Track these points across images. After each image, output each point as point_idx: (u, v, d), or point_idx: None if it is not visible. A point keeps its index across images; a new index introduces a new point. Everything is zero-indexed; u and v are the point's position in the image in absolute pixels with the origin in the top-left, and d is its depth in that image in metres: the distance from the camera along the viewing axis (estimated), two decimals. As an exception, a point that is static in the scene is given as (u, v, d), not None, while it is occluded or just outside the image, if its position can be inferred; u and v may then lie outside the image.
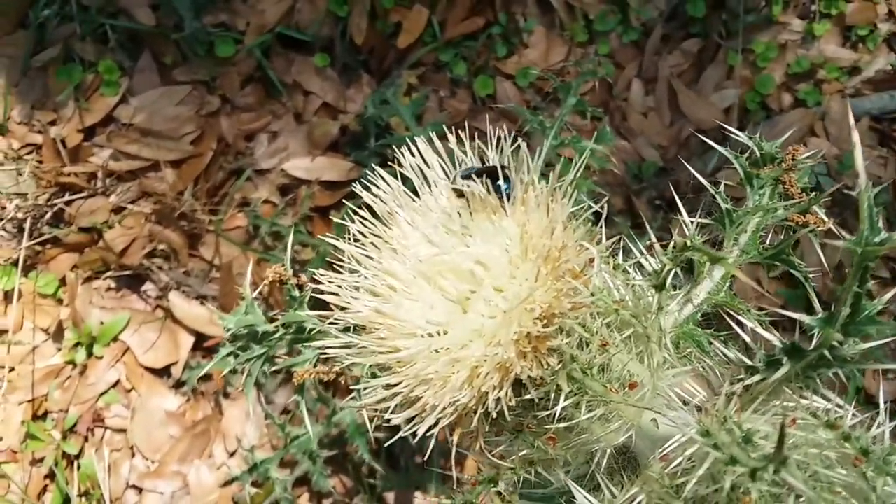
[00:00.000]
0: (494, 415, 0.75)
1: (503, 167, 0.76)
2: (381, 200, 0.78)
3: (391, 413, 0.70)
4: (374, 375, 1.02)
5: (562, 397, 0.72)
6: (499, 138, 0.87)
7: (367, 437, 2.36)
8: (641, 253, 0.83)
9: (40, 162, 2.76)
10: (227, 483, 2.61)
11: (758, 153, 1.25)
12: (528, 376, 0.69)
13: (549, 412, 0.74)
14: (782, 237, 1.07)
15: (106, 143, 2.81)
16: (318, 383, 2.41)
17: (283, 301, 2.64)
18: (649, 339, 0.80)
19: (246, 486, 2.52)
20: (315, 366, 1.39)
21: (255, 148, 2.90)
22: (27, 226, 2.69)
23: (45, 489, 2.64)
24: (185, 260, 2.78)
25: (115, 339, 2.75)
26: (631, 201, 2.78)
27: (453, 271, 0.70)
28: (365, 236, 0.78)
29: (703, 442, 0.66)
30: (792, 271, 1.04)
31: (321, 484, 2.64)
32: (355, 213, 0.79)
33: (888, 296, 0.69)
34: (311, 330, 1.41)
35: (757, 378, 0.73)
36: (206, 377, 2.78)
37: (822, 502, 0.63)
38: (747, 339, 0.78)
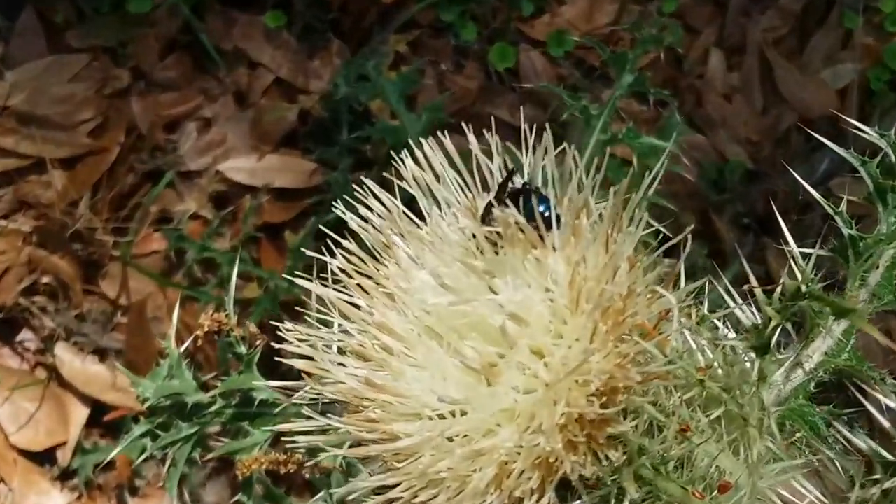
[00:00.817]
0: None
1: (534, 186, 0.78)
2: (374, 227, 0.80)
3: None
4: (348, 466, 1.04)
5: (626, 505, 0.74)
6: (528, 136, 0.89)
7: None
8: (734, 299, 0.85)
9: None
10: None
11: (893, 156, 1.27)
12: (581, 476, 0.70)
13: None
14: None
15: (-31, 134, 2.87)
16: (268, 476, 2.44)
17: (219, 359, 2.67)
18: (747, 423, 0.81)
19: None
20: (266, 453, 1.43)
21: (179, 142, 2.97)
22: None
23: None
24: (79, 299, 2.83)
25: (-22, 410, 2.77)
26: (708, 218, 2.82)
27: (475, 327, 0.71)
28: (350, 276, 0.79)
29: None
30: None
31: None
32: (337, 244, 0.80)
33: None
34: (264, 402, 1.44)
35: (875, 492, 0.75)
36: (107, 466, 2.81)
37: None
38: (884, 422, 0.80)
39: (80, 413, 2.81)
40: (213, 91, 3.00)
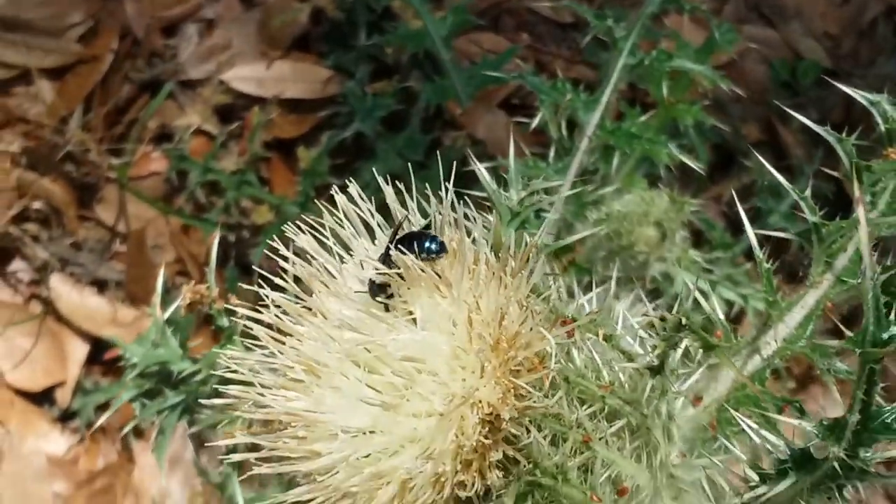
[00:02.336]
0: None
1: (424, 228, 1.04)
2: (305, 261, 1.07)
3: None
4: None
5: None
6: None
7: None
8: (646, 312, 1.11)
9: None
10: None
11: (882, 126, 1.50)
12: (475, 493, 0.97)
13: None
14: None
15: (-51, 43, 3.13)
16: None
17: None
18: (650, 431, 1.08)
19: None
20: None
21: (179, 47, 3.19)
22: None
23: None
24: (74, 225, 3.09)
25: (-30, 346, 3.09)
26: (774, 129, 2.99)
27: (384, 360, 0.98)
28: (282, 306, 1.07)
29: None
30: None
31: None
32: (268, 279, 1.08)
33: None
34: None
35: (761, 492, 1.01)
36: (106, 405, 3.10)
37: None
38: (756, 438, 1.06)
39: (80, 350, 3.11)
40: (214, -11, 3.21)
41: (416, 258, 1.00)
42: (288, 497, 1.02)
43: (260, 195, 3.00)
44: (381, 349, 0.99)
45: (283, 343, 1.07)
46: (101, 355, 3.14)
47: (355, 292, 1.04)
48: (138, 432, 3.13)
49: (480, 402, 0.96)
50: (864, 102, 1.38)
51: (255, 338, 1.10)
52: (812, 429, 0.97)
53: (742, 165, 2.92)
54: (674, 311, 1.03)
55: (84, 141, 3.07)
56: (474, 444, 0.96)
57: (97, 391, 3.08)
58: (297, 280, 1.09)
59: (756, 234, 1.27)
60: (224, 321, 1.64)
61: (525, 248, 1.02)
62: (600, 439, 1.06)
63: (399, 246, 1.02)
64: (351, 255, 1.10)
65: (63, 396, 3.12)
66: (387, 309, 1.03)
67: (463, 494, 0.97)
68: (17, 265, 3.15)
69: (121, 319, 3.10)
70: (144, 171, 3.13)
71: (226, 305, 1.45)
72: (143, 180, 3.12)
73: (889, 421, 0.94)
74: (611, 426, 1.07)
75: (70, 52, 3.15)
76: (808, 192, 1.35)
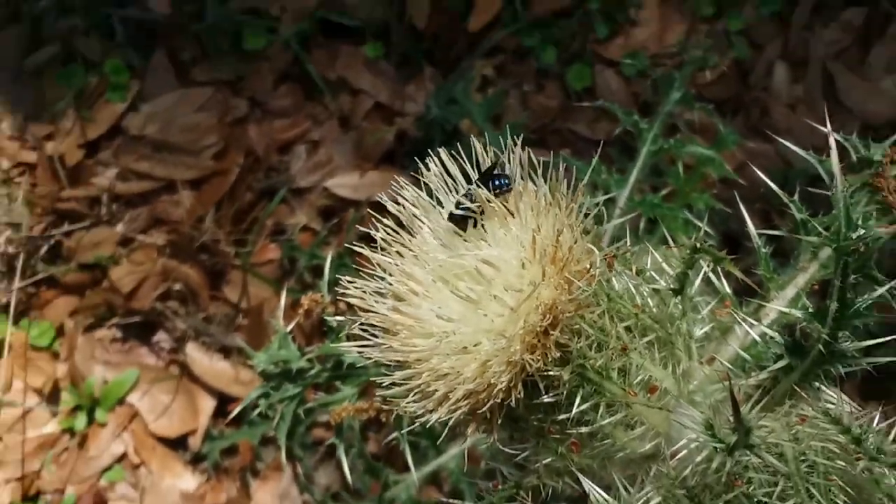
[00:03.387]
0: (518, 415, 1.11)
1: (492, 167, 1.13)
2: (406, 208, 1.17)
3: (409, 403, 1.07)
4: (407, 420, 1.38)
5: (578, 397, 1.08)
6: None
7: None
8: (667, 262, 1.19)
9: (34, 185, 3.25)
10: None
11: (853, 156, 1.60)
12: (541, 375, 1.04)
13: (568, 415, 1.10)
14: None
15: (112, 161, 3.29)
16: (368, 456, 2.77)
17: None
18: (673, 345, 1.15)
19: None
20: (354, 402, 1.77)
21: (291, 162, 3.32)
22: (19, 263, 3.17)
23: (36, 588, 3.08)
24: (206, 303, 3.21)
25: (122, 401, 3.18)
26: (771, 219, 3.05)
27: (468, 274, 1.07)
28: (390, 244, 1.16)
29: (702, 433, 1.01)
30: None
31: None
32: (379, 221, 1.18)
33: (878, 292, 1.02)
34: (351, 365, 1.80)
35: (764, 375, 1.07)
36: (231, 450, 3.15)
37: (810, 485, 0.97)
38: (758, 338, 1.12)
39: (209, 404, 3.17)
40: (320, 116, 3.34)
41: (490, 192, 1.10)
42: (397, 376, 1.09)
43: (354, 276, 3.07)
44: (461, 268, 1.08)
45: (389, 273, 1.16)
46: (226, 408, 3.18)
47: (448, 218, 1.13)
48: (255, 473, 3.18)
49: (541, 300, 1.04)
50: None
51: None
52: (801, 314, 1.03)
53: (745, 247, 2.98)
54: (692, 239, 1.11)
55: (215, 235, 3.18)
56: (538, 330, 1.03)
57: (222, 438, 3.13)
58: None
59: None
60: (333, 322, 1.72)
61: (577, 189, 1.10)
62: (634, 349, 1.12)
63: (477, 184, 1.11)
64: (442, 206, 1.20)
65: (194, 442, 3.18)
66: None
67: (531, 368, 1.04)
68: (160, 336, 3.25)
69: (242, 379, 3.17)
70: (262, 258, 3.22)
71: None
72: (261, 266, 3.21)
73: (861, 308, 1.01)
74: (642, 339, 1.13)
75: (205, 167, 3.27)
76: (795, 197, 1.43)
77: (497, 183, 1.12)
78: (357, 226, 3.17)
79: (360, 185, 3.26)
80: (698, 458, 1.02)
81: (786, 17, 3.30)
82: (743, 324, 1.23)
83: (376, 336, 1.14)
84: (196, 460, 3.19)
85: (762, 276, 1.38)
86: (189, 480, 3.17)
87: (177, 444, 3.20)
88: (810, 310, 1.04)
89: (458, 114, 3.10)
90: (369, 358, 1.13)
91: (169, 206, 3.27)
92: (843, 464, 1.01)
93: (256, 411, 1.84)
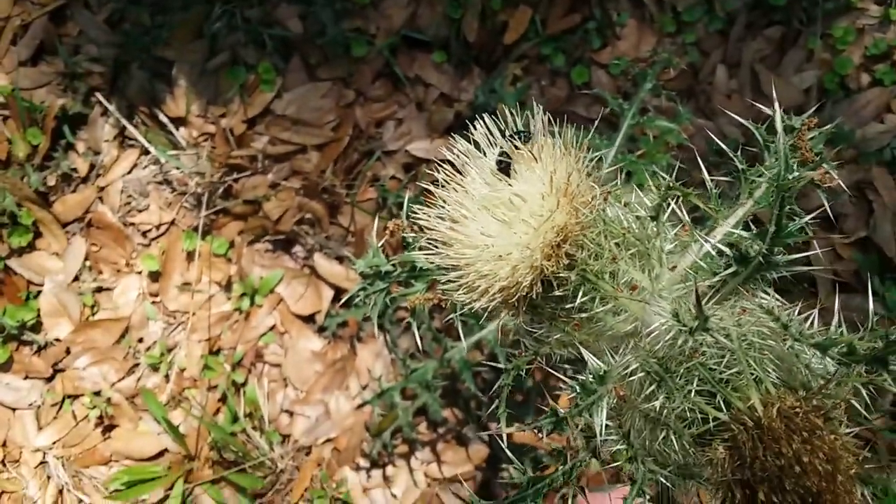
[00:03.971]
0: (536, 304, 1.03)
1: (520, 131, 1.04)
2: (460, 156, 1.08)
3: (458, 295, 1.00)
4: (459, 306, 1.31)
5: (580, 293, 0.99)
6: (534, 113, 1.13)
7: (472, 372, 2.67)
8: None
9: (214, 147, 3.22)
10: (360, 406, 2.99)
11: (779, 125, 1.46)
12: (554, 276, 0.96)
13: (573, 305, 1.02)
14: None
15: (265, 131, 3.23)
16: (434, 329, 2.73)
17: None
18: (650, 257, 1.05)
19: (375, 410, 2.90)
20: (423, 294, 1.70)
21: (383, 133, 3.24)
22: (204, 199, 3.16)
23: (218, 410, 3.11)
24: (327, 227, 3.17)
25: (272, 290, 3.17)
26: (709, 173, 2.94)
27: (503, 204, 0.98)
28: (449, 183, 1.08)
29: (670, 319, 0.92)
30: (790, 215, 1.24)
31: (436, 414, 2.98)
32: (440, 165, 1.09)
33: (803, 220, 0.92)
34: (421, 269, 1.73)
35: (717, 278, 0.97)
36: (344, 324, 3.15)
37: (748, 357, 0.87)
38: (712, 250, 1.02)
39: (329, 294, 3.16)
40: (403, 102, 3.26)
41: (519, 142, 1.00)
42: (452, 276, 1.02)
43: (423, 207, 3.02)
44: (499, 199, 0.99)
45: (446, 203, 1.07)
46: (340, 297, 3.17)
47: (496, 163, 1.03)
48: (359, 339, 3.16)
49: (556, 222, 0.95)
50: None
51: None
52: (748, 235, 0.93)
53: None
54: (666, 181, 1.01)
55: (333, 181, 3.13)
56: (553, 244, 0.94)
57: (337, 316, 3.13)
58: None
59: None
60: (410, 239, 1.66)
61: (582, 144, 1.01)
62: (621, 259, 1.03)
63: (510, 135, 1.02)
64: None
65: (320, 318, 3.17)
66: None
67: (547, 271, 0.95)
68: (297, 248, 3.23)
69: (350, 277, 3.16)
70: (364, 197, 3.18)
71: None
72: (363, 203, 3.17)
73: (791, 231, 0.90)
74: (627, 252, 1.04)
75: (327, 136, 3.20)
76: (738, 153, 1.31)
77: (521, 136, 1.02)
78: (427, 173, 3.11)
79: (430, 148, 3.18)
80: (667, 337, 0.93)
81: (726, 33, 3.12)
82: (699, 240, 1.13)
83: (437, 247, 1.06)
84: (321, 330, 3.18)
85: (712, 208, 1.27)
86: (316, 342, 3.17)
87: (308, 319, 3.19)
88: (754, 231, 0.94)
89: (496, 100, 3.02)
90: (433, 263, 1.05)
91: (303, 162, 3.22)
92: (773, 343, 0.92)
93: (357, 300, 1.79)
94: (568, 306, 1.02)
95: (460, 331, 1.75)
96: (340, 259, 3.17)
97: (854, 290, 2.87)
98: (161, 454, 3.09)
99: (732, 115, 3.16)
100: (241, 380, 3.11)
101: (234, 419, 3.05)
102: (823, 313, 0.99)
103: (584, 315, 1.03)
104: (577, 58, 3.18)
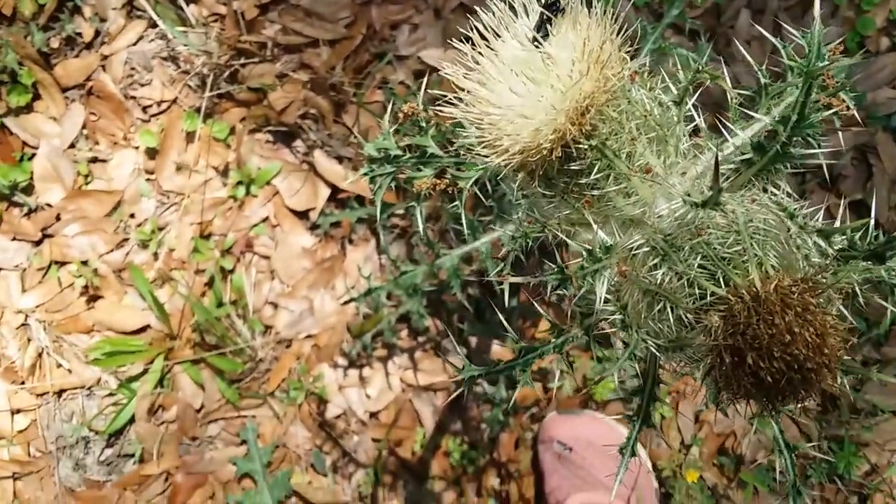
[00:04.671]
0: (552, 175, 1.05)
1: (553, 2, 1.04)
2: (492, 19, 1.08)
3: (480, 150, 1.01)
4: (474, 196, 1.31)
5: (596, 168, 1.01)
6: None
7: (461, 281, 2.70)
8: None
9: (223, 29, 3.16)
10: (346, 303, 3.04)
11: (806, 49, 1.47)
12: (575, 143, 0.98)
13: (586, 182, 1.04)
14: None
15: (277, 19, 3.18)
16: (427, 235, 2.76)
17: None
18: (667, 143, 1.07)
19: (360, 308, 2.95)
20: (435, 178, 1.71)
21: (397, 36, 3.19)
22: (209, 80, 3.12)
23: (204, 293, 3.14)
24: (330, 124, 3.15)
25: (269, 182, 3.16)
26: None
27: (533, 66, 0.99)
28: (478, 46, 1.08)
29: (684, 197, 0.94)
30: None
31: (419, 322, 3.03)
32: (473, 27, 1.09)
33: (827, 113, 0.94)
34: (431, 154, 1.73)
35: (731, 166, 1.00)
36: (337, 224, 3.17)
37: (751, 238, 0.90)
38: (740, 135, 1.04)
39: (325, 192, 3.15)
40: (421, 7, 3.20)
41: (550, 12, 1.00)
42: (472, 133, 1.03)
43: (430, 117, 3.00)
44: (529, 64, 1.00)
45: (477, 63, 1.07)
46: (336, 196, 3.17)
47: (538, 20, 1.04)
48: (350, 241, 3.18)
49: (584, 88, 0.96)
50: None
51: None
52: (769, 120, 0.95)
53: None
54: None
55: (342, 78, 3.10)
56: (579, 109, 0.95)
57: (331, 215, 3.14)
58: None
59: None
60: (423, 123, 1.65)
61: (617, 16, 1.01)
62: (640, 141, 1.05)
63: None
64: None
65: (313, 216, 3.17)
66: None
67: (569, 137, 0.97)
68: (297, 143, 3.21)
69: (349, 178, 3.13)
70: (371, 99, 3.15)
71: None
72: (370, 104, 3.14)
73: (813, 121, 0.92)
74: (646, 135, 1.06)
75: (340, 32, 3.15)
76: (763, 68, 1.32)
77: (555, 7, 1.02)
78: (437, 85, 3.09)
79: (443, 57, 3.14)
80: (676, 214, 0.96)
81: (755, -24, 3.07)
82: (712, 149, 1.15)
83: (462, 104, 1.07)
84: (313, 227, 3.19)
85: (731, 118, 1.28)
86: (308, 239, 3.18)
87: (301, 215, 3.19)
88: (777, 118, 0.95)
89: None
90: (455, 117, 1.06)
91: (312, 56, 3.17)
92: (777, 232, 0.95)
93: (362, 175, 1.80)
94: (581, 181, 1.04)
95: (455, 235, 1.75)
96: (340, 159, 3.17)
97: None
98: (143, 329, 3.13)
99: (742, 67, 3.12)
100: (230, 267, 3.13)
101: (219, 304, 3.09)
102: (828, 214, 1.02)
103: (595, 193, 1.05)
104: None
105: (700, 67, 0.99)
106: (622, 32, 1.01)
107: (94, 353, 3.06)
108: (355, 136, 3.13)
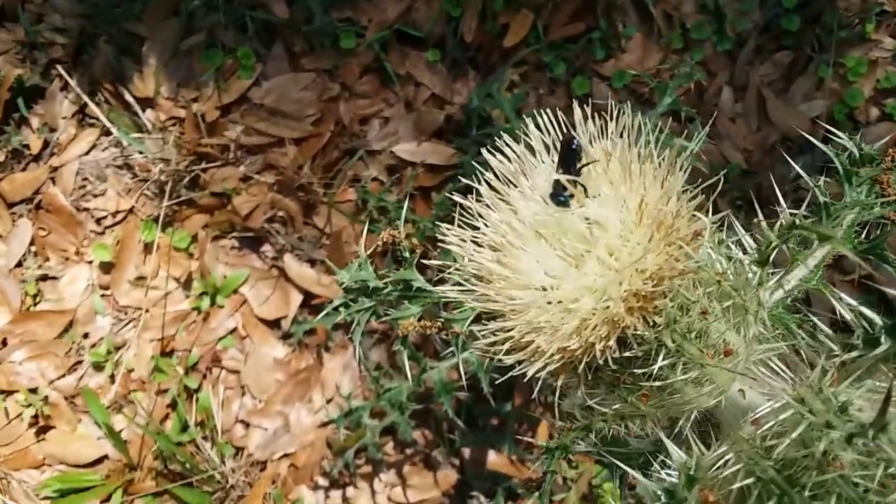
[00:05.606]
0: (597, 365, 0.74)
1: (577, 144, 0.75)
2: (510, 161, 0.78)
3: (502, 355, 0.70)
4: (471, 333, 1.03)
5: (661, 356, 0.71)
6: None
7: (452, 395, 2.38)
8: (749, 231, 0.81)
9: (182, 133, 2.88)
10: (324, 424, 2.68)
11: (857, 153, 1.20)
12: (634, 333, 0.68)
13: (645, 370, 0.73)
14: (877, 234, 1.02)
15: (239, 120, 2.91)
16: (411, 345, 2.44)
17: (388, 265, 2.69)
18: (747, 312, 0.77)
19: (340, 429, 2.59)
20: (419, 320, 1.41)
21: (368, 131, 2.94)
22: (168, 188, 2.82)
23: (167, 416, 2.77)
24: (300, 227, 2.86)
25: (236, 291, 2.85)
26: (714, 200, 2.71)
27: (570, 232, 0.70)
28: (492, 197, 0.78)
29: (798, 408, 0.64)
30: (885, 265, 0.99)
31: (406, 434, 2.68)
32: (481, 174, 0.79)
33: None
34: (418, 289, 1.43)
35: (854, 354, 0.69)
36: (311, 331, 2.85)
37: (913, 475, 0.60)
38: (847, 315, 0.75)
39: (297, 298, 2.84)
40: (391, 100, 2.97)
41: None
42: (490, 327, 0.72)
43: (409, 216, 2.74)
44: (559, 225, 0.69)
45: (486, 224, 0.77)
46: (310, 302, 2.87)
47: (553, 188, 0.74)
48: (327, 349, 2.86)
49: (647, 265, 0.66)
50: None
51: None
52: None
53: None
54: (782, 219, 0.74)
55: (310, 179, 2.84)
56: (641, 293, 0.65)
57: (305, 322, 2.84)
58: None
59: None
60: (407, 254, 1.37)
61: (680, 156, 0.72)
62: (713, 313, 0.75)
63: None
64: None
65: (285, 324, 2.87)
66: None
67: (630, 329, 0.67)
68: (266, 247, 2.93)
69: (322, 282, 2.87)
70: (343, 199, 2.90)
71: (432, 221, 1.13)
72: (341, 204, 2.89)
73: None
74: (721, 305, 0.76)
75: (306, 130, 2.92)
76: (821, 182, 1.05)
77: (576, 158, 0.73)
78: (413, 180, 2.82)
79: (416, 151, 2.89)
80: (793, 434, 0.65)
81: (734, 55, 2.89)
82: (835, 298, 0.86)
83: (470, 283, 0.76)
84: (286, 337, 2.87)
85: (791, 248, 1.00)
86: (280, 350, 2.86)
87: (273, 324, 2.88)
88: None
89: (491, 105, 2.75)
90: (467, 303, 0.75)
91: (278, 156, 2.91)
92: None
93: (334, 308, 1.50)
94: (639, 371, 0.73)
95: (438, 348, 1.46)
96: (312, 262, 2.86)
97: None
98: (100, 461, 2.74)
99: (729, 144, 2.89)
100: (195, 385, 2.77)
101: (184, 428, 2.72)
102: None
103: (657, 384, 0.74)
104: (579, 68, 2.92)
105: (797, 222, 0.70)
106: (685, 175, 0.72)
107: (45, 491, 2.65)
108: (327, 238, 2.83)
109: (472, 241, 0.76)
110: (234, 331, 2.85)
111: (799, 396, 0.64)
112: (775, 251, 0.74)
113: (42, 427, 2.73)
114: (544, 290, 0.68)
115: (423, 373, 2.36)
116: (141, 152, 2.79)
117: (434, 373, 2.36)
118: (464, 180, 0.92)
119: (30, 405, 2.70)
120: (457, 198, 0.79)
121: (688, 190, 0.72)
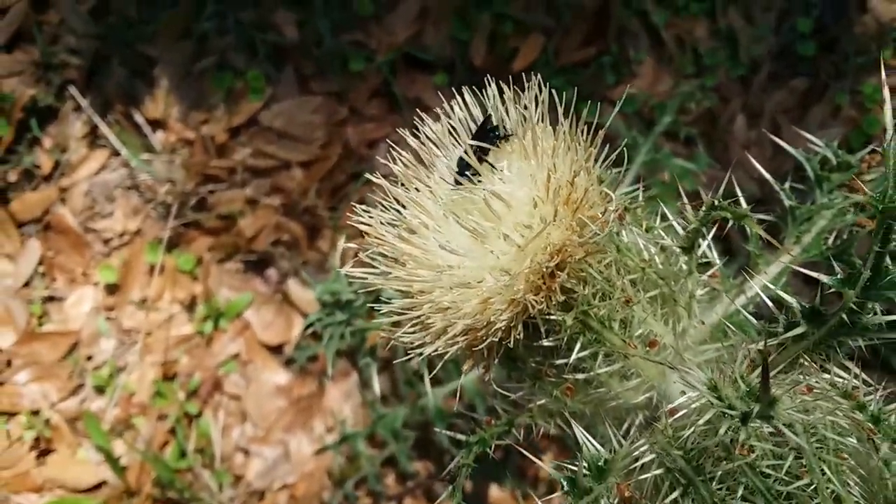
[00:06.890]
0: (518, 356, 0.73)
1: (484, 123, 0.75)
2: (426, 146, 0.79)
3: (405, 334, 0.69)
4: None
5: (578, 344, 0.69)
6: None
7: (449, 423, 2.35)
8: (677, 219, 0.79)
9: (191, 155, 2.94)
10: (319, 451, 2.66)
11: (833, 161, 1.19)
12: (543, 318, 0.66)
13: (566, 361, 0.72)
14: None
15: (248, 143, 2.96)
16: (409, 371, 2.42)
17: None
18: (676, 303, 0.75)
19: (336, 457, 2.57)
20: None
21: (375, 155, 2.96)
22: (174, 209, 2.87)
23: (166, 442, 2.78)
24: (305, 251, 2.87)
25: (239, 315, 2.86)
26: (722, 228, 2.66)
27: (479, 210, 0.69)
28: (408, 179, 0.78)
29: (707, 395, 0.61)
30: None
31: (406, 465, 2.65)
32: (399, 154, 0.80)
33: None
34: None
35: (775, 342, 0.67)
36: (314, 358, 2.84)
37: (822, 462, 0.57)
38: (769, 303, 0.72)
39: (300, 323, 2.85)
40: (398, 123, 3.00)
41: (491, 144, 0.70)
42: (396, 307, 0.71)
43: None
44: (474, 204, 0.69)
45: (403, 207, 0.77)
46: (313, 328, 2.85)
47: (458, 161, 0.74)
48: (329, 375, 2.85)
49: (551, 241, 0.65)
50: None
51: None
52: (829, 280, 0.63)
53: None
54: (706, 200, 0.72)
55: (316, 202, 2.85)
56: (544, 271, 0.64)
57: (308, 348, 2.82)
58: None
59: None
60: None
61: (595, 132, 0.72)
62: (638, 303, 0.73)
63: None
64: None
65: (288, 350, 2.87)
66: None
67: (533, 310, 0.65)
68: (270, 271, 2.95)
69: (325, 307, 2.82)
70: (348, 222, 2.86)
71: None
72: (346, 227, 2.86)
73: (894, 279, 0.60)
74: (646, 294, 0.74)
75: (314, 153, 2.95)
76: (787, 185, 1.05)
77: (492, 135, 0.73)
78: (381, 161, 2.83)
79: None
80: (700, 421, 0.62)
81: (748, 81, 2.86)
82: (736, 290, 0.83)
83: (385, 265, 0.76)
84: (288, 363, 2.87)
85: (751, 252, 0.98)
86: (282, 376, 2.86)
87: (275, 349, 2.88)
88: (840, 276, 0.63)
89: (498, 129, 2.75)
90: (375, 286, 0.75)
91: (285, 179, 2.94)
92: (855, 442, 0.61)
93: (311, 330, 1.50)
94: (559, 362, 0.72)
95: (425, 376, 1.45)
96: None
97: None
98: (98, 487, 2.74)
99: (742, 172, 2.85)
100: (195, 411, 2.78)
101: (182, 454, 2.72)
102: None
103: (580, 376, 0.72)
104: (589, 93, 2.92)
105: (716, 202, 0.69)
106: (605, 158, 0.72)
107: (43, 515, 2.67)
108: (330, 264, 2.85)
109: (389, 224, 0.76)
110: (236, 356, 2.86)
111: (713, 384, 0.62)
112: (698, 236, 0.72)
113: (43, 450, 2.75)
114: (450, 268, 0.67)
115: (419, 398, 2.34)
116: (149, 173, 2.86)
117: (429, 399, 2.34)
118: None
119: (31, 427, 2.74)
120: (372, 178, 0.79)
121: (603, 165, 0.71)
